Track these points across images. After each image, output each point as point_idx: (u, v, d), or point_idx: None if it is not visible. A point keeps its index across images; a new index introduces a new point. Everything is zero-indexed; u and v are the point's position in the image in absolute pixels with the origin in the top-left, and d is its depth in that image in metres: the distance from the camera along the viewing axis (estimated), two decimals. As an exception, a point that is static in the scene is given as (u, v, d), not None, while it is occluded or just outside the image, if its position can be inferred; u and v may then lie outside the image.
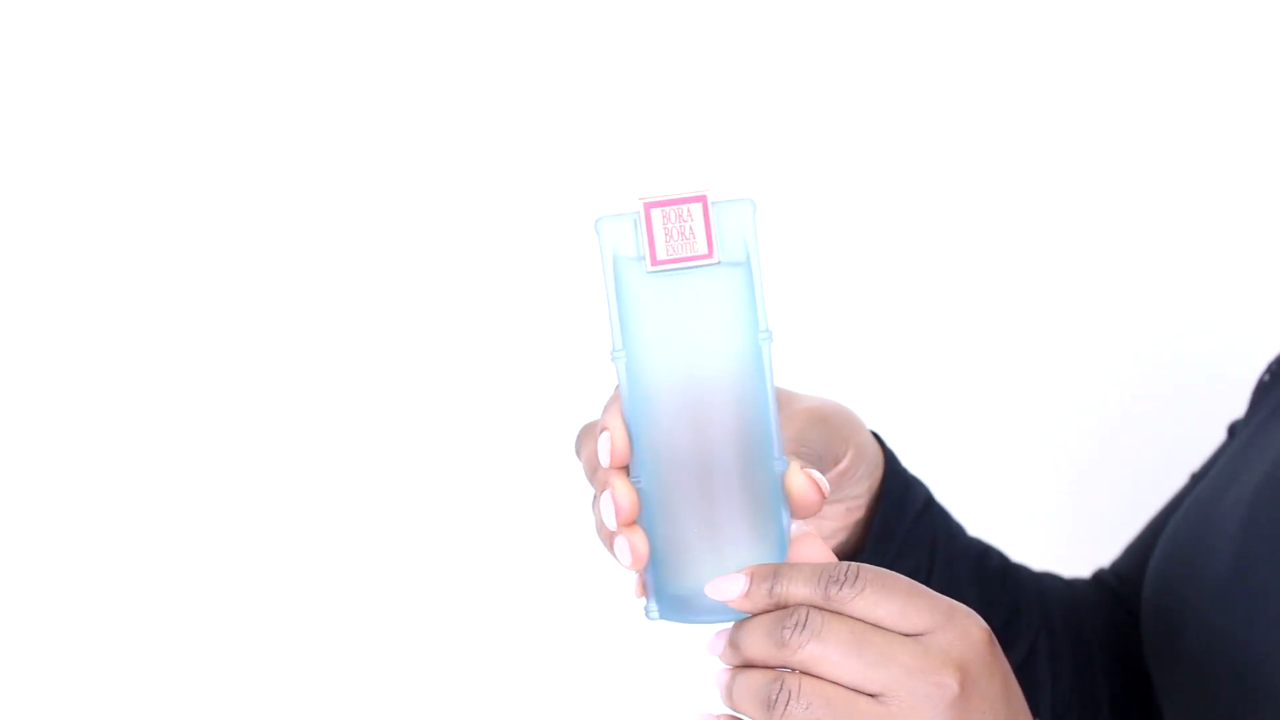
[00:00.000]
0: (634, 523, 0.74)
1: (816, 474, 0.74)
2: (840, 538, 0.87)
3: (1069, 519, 1.40)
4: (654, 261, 0.73)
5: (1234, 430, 1.01)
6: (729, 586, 0.71)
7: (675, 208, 0.73)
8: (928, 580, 0.90)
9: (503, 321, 1.41)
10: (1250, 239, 1.39)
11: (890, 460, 0.89)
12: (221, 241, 1.39)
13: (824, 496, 0.74)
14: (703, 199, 0.73)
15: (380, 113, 1.39)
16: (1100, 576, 1.05)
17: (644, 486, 0.74)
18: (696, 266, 0.73)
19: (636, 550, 0.73)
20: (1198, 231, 1.39)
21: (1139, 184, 1.39)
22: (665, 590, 0.74)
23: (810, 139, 1.36)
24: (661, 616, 0.74)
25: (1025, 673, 0.94)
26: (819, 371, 1.27)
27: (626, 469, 0.74)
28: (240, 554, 1.40)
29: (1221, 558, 0.86)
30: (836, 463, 0.83)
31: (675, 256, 0.73)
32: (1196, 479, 1.02)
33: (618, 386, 0.74)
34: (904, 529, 0.89)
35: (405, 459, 1.41)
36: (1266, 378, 0.98)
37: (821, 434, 0.81)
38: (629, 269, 0.74)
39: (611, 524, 0.73)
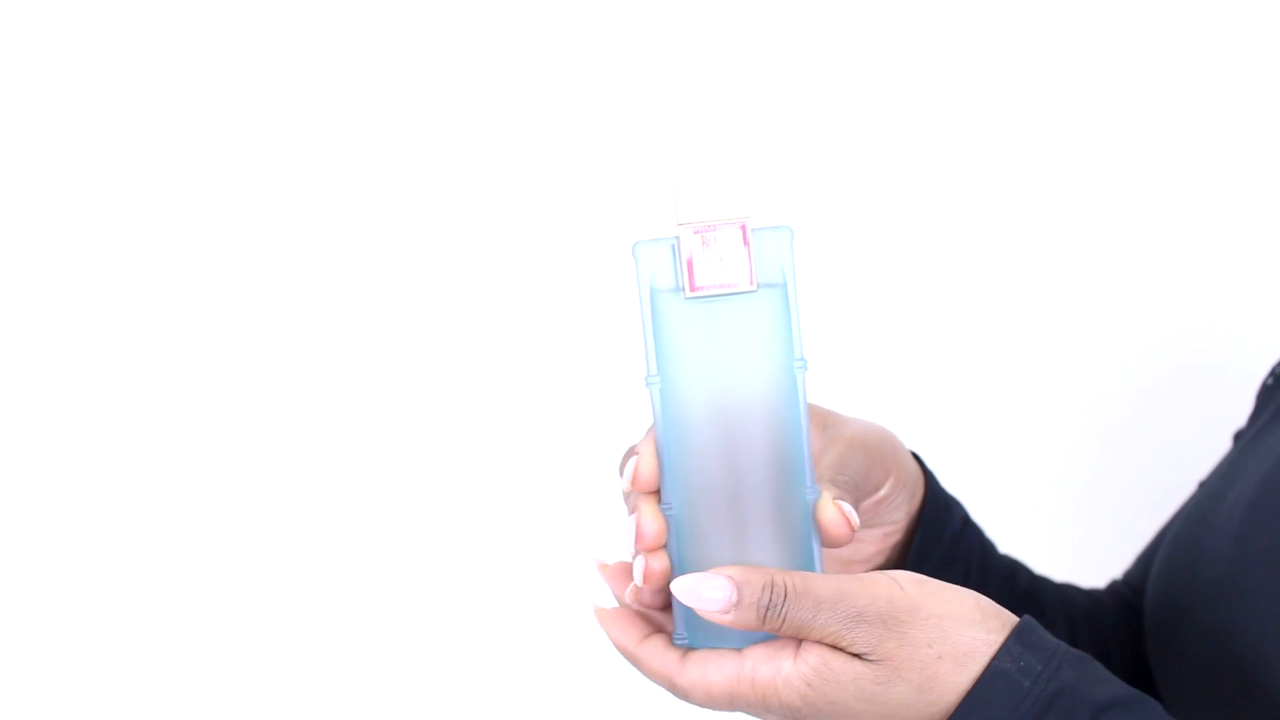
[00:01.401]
0: (660, 548, 0.73)
1: (847, 507, 0.74)
2: (878, 561, 0.87)
3: (1080, 528, 1.41)
4: (692, 288, 0.72)
5: (1240, 438, 1.01)
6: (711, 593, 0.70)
7: (714, 234, 0.72)
8: None
9: (524, 328, 1.40)
10: (1261, 245, 1.39)
11: (930, 483, 0.88)
12: (230, 245, 1.37)
13: (854, 530, 0.74)
14: (742, 225, 0.72)
15: (406, 121, 1.37)
16: (1115, 587, 1.06)
17: (675, 513, 0.74)
18: (734, 294, 0.73)
19: (650, 571, 0.73)
20: (1207, 241, 1.39)
21: (1150, 196, 1.39)
22: (694, 616, 0.74)
23: (829, 158, 1.36)
24: (690, 644, 0.74)
25: None
26: (840, 387, 1.26)
27: (658, 494, 0.74)
28: (241, 554, 1.40)
29: (1220, 556, 0.86)
30: (876, 490, 0.83)
31: (713, 283, 0.72)
32: (1204, 487, 1.03)
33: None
34: (942, 550, 0.89)
35: (420, 467, 1.40)
36: (1270, 381, 0.98)
37: (863, 462, 0.81)
38: (665, 294, 0.73)
39: (630, 548, 0.73)
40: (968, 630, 0.70)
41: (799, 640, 0.71)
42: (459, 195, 1.38)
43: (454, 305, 1.39)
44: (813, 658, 0.70)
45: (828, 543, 0.74)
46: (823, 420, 0.81)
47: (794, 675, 0.70)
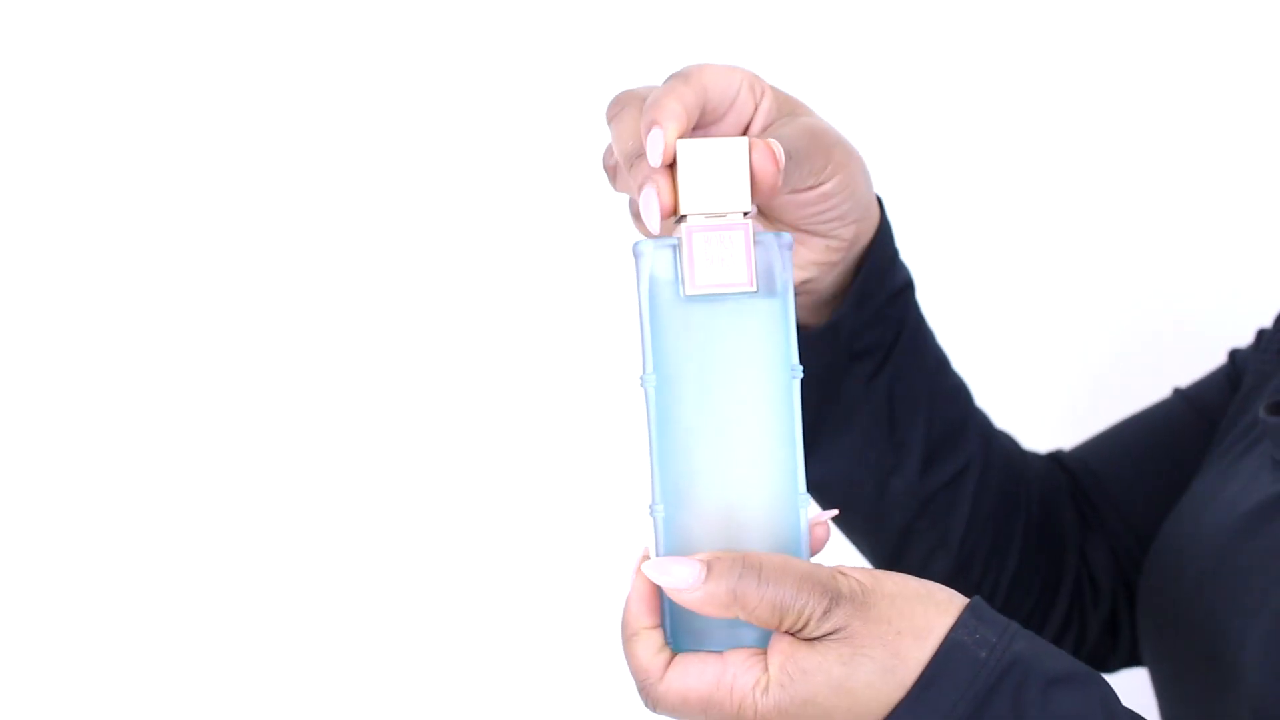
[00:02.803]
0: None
1: (775, 143, 0.73)
2: (811, 274, 0.85)
3: None
4: (692, 286, 0.73)
5: (1234, 355, 1.03)
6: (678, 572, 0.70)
7: (717, 234, 0.73)
8: (884, 362, 0.90)
9: (521, 325, 1.41)
10: (1266, 244, 1.40)
11: (885, 229, 0.88)
12: (233, 244, 1.38)
13: (779, 166, 0.73)
14: (745, 227, 0.73)
15: (403, 118, 1.38)
16: (1058, 457, 1.06)
17: (666, 513, 0.73)
18: (733, 295, 0.73)
19: (663, 197, 0.72)
20: (1212, 240, 1.41)
21: (1153, 194, 1.41)
22: (682, 621, 0.73)
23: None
24: (679, 648, 0.73)
25: (949, 491, 0.95)
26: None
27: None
28: (242, 554, 1.39)
29: (1206, 553, 0.88)
30: (817, 178, 0.80)
31: (713, 283, 0.73)
32: (1181, 394, 1.04)
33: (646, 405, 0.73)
34: (881, 300, 0.88)
35: (420, 466, 1.41)
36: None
37: (808, 144, 0.79)
38: (664, 293, 0.73)
39: (654, 225, 0.72)
40: (920, 606, 0.70)
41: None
42: (459, 193, 1.39)
43: (454, 303, 1.40)
44: (778, 657, 0.70)
45: (755, 182, 0.73)
46: (792, 108, 0.81)
47: (769, 681, 0.70)
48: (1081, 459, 1.05)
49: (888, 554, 0.97)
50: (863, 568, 0.72)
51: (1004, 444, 1.01)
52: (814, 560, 0.73)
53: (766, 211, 0.83)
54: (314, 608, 1.40)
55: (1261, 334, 1.02)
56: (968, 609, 0.71)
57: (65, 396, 1.37)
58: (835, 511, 0.77)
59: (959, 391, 0.97)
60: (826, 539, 0.75)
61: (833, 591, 0.70)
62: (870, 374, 0.90)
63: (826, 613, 0.69)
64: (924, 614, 0.71)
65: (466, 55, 1.39)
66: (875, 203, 0.87)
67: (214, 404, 1.39)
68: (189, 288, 1.38)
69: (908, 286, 0.91)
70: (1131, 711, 0.72)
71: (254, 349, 1.39)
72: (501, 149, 1.39)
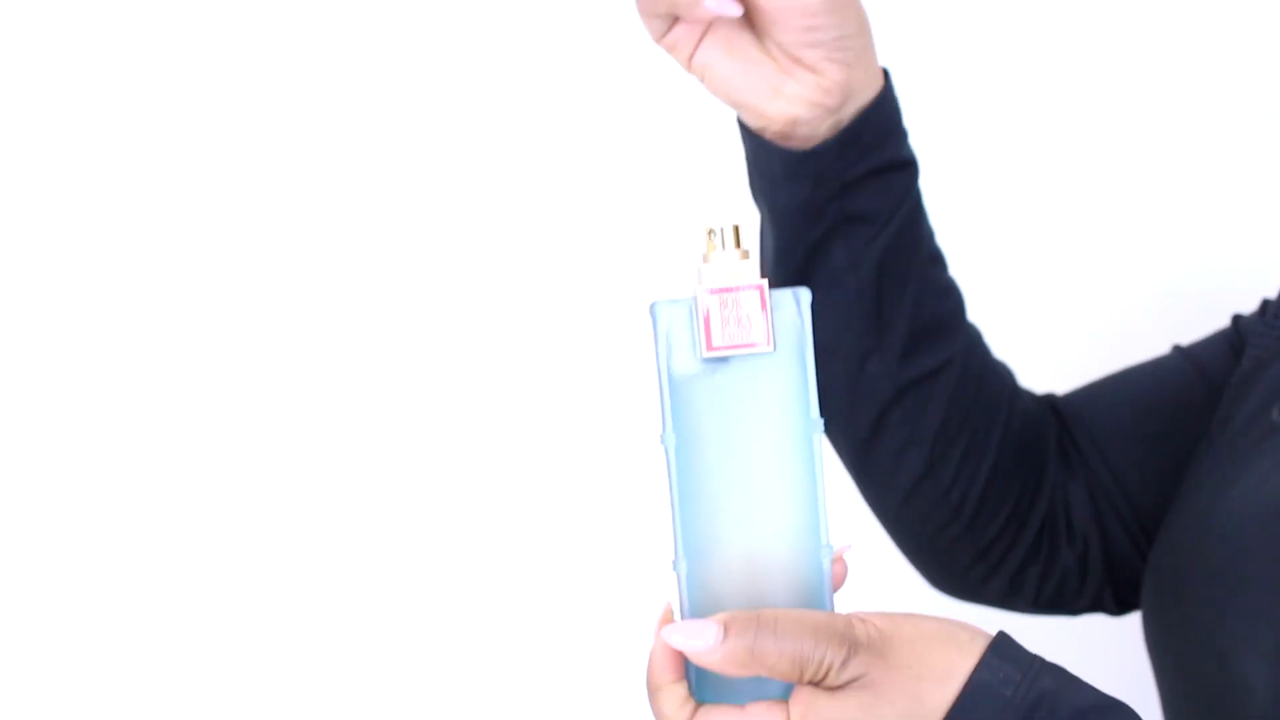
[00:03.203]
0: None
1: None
2: (801, 111, 0.87)
3: None
4: (709, 348, 0.73)
5: (1237, 321, 1.03)
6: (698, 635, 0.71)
7: (732, 295, 0.73)
8: (879, 232, 0.91)
9: (526, 326, 1.41)
10: (1271, 242, 1.41)
11: (889, 99, 0.89)
12: (235, 244, 1.38)
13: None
14: (760, 288, 0.73)
15: (411, 118, 1.38)
16: (1051, 399, 1.06)
17: (690, 570, 0.74)
18: (751, 355, 0.74)
19: None
20: (1219, 237, 1.40)
21: (1166, 188, 1.40)
22: (706, 673, 0.74)
23: None
24: (702, 699, 0.74)
25: (926, 385, 0.96)
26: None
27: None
28: (243, 553, 1.40)
29: (1212, 553, 0.89)
30: None
31: (731, 344, 0.73)
32: (1182, 352, 1.05)
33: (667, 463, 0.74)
34: (878, 159, 0.90)
35: (420, 464, 1.41)
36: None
37: None
38: (681, 353, 0.74)
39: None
40: (940, 648, 0.71)
41: None
42: (468, 196, 1.39)
43: (458, 304, 1.40)
44: (799, 707, 0.71)
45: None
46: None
47: None
48: (1074, 404, 1.06)
49: (860, 442, 0.98)
50: (881, 612, 0.73)
51: (992, 362, 1.01)
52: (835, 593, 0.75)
53: (757, 21, 0.84)
54: (317, 611, 1.41)
55: (1266, 304, 1.01)
56: (990, 649, 0.72)
57: (65, 396, 1.37)
58: (849, 545, 0.78)
59: (951, 291, 0.97)
60: (845, 576, 0.76)
61: (850, 640, 0.71)
62: (865, 240, 0.91)
63: (845, 662, 0.70)
64: (944, 656, 0.71)
65: (467, 55, 1.38)
66: (877, 67, 0.88)
67: (224, 403, 1.39)
68: (189, 287, 1.38)
69: (911, 165, 0.92)
70: None
71: (256, 348, 1.39)
72: (517, 153, 1.39)
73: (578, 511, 1.42)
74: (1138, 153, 1.41)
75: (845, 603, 0.76)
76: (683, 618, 0.75)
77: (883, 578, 1.21)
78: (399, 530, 1.42)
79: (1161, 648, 0.94)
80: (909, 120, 0.92)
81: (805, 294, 0.74)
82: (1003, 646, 0.72)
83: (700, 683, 0.74)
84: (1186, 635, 0.90)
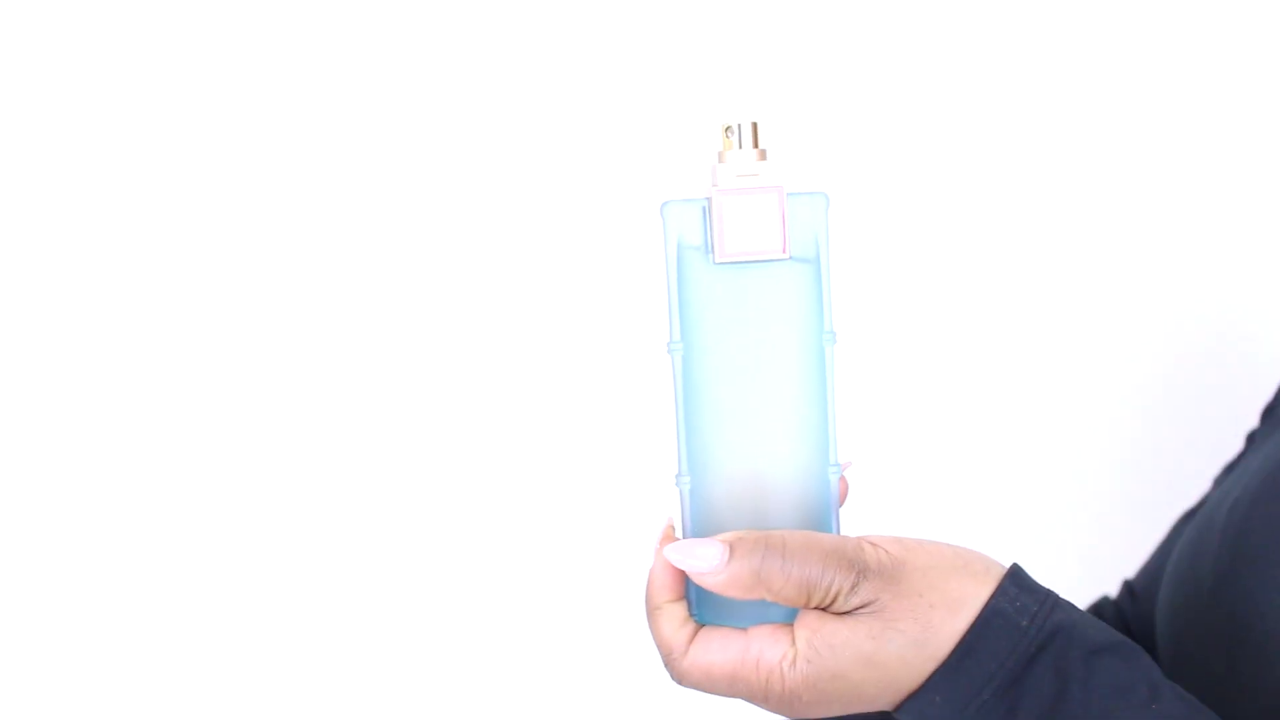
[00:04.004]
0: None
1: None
2: None
3: (1091, 529, 1.40)
4: (722, 254, 0.70)
5: (1253, 438, 1.00)
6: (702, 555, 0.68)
7: (748, 198, 0.69)
8: None
9: (533, 303, 1.38)
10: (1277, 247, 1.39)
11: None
12: (239, 243, 1.36)
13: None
14: (778, 190, 0.69)
15: (405, 117, 1.35)
16: (1115, 599, 1.03)
17: (693, 484, 0.71)
18: (765, 262, 0.70)
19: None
20: (1226, 243, 1.38)
21: (1172, 197, 1.38)
22: (706, 593, 0.71)
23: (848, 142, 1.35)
24: (703, 620, 0.71)
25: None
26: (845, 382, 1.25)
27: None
28: (243, 554, 1.38)
29: (1220, 556, 0.85)
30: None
31: (745, 249, 0.70)
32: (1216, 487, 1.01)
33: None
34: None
35: (421, 462, 1.39)
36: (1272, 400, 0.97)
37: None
38: (693, 259, 0.70)
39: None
40: (955, 578, 0.69)
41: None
42: (472, 180, 1.36)
43: (460, 294, 1.37)
44: (805, 631, 0.68)
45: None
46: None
47: (796, 654, 0.68)
48: (1132, 587, 1.00)
49: None
50: (894, 537, 0.70)
51: None
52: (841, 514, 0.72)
53: None
54: (318, 605, 1.39)
55: None
56: (1008, 576, 0.69)
57: (65, 397, 1.35)
58: (851, 462, 0.75)
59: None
60: (846, 493, 0.73)
61: (860, 565, 0.68)
62: None
63: (854, 587, 0.68)
64: (959, 586, 0.69)
65: (468, 55, 1.35)
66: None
67: (224, 404, 1.37)
68: (190, 287, 1.35)
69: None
70: (1173, 684, 0.70)
71: (259, 348, 1.37)
72: (502, 142, 1.36)
73: (578, 421, 1.39)
74: (1138, 153, 1.39)
75: (851, 525, 0.73)
76: (684, 535, 0.72)
77: (889, 499, 1.19)
78: (390, 496, 1.39)
79: (1178, 634, 0.90)
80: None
81: (825, 197, 0.70)
82: (1020, 577, 0.70)
83: (701, 603, 0.71)
84: (1198, 617, 0.86)
